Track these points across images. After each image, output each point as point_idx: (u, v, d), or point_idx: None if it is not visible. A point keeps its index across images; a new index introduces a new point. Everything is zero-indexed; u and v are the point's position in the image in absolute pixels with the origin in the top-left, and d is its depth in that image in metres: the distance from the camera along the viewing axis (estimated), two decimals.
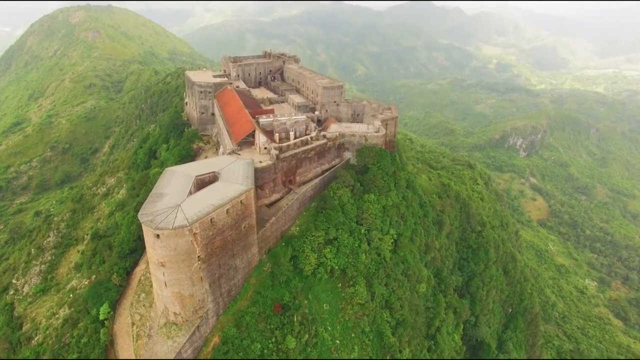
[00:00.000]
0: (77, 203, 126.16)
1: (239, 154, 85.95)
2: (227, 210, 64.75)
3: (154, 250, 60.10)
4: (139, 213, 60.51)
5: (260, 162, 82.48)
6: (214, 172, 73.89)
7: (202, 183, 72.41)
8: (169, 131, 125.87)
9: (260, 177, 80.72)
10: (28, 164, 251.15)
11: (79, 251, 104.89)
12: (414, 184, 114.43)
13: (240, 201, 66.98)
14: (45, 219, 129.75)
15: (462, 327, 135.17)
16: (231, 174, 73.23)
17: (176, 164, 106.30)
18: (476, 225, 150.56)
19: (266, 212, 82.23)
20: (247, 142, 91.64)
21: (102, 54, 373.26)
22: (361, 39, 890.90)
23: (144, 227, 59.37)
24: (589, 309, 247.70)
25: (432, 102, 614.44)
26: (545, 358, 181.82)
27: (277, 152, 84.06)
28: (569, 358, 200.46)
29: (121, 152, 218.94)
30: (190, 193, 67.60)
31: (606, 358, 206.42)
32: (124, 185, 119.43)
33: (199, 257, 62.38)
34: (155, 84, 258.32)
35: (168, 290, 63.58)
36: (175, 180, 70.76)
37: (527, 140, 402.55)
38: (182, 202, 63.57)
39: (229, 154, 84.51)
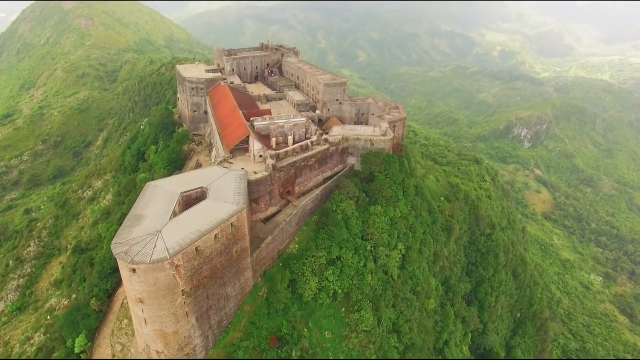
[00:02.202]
0: (61, 209, 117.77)
1: (231, 163, 77.42)
2: (216, 236, 56.49)
3: (130, 285, 52.03)
4: (112, 242, 52.24)
5: (255, 173, 73.93)
6: (201, 187, 65.41)
7: (189, 201, 64.08)
8: (158, 131, 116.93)
9: (255, 191, 72.35)
10: (19, 158, 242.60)
11: (60, 263, 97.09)
12: (423, 190, 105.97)
13: (231, 224, 58.72)
14: (28, 225, 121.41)
15: (470, 337, 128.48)
16: (221, 190, 64.73)
17: (165, 168, 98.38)
18: (485, 228, 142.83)
19: (262, 228, 74.00)
20: (241, 148, 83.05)
21: (95, 43, 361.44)
22: (362, 25, 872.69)
23: (118, 260, 51.27)
24: (594, 305, 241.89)
25: (434, 91, 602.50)
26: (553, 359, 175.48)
27: (273, 161, 75.43)
28: (575, 358, 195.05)
29: (114, 147, 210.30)
30: (175, 214, 59.26)
31: (613, 358, 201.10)
32: (111, 190, 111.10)
33: (183, 291, 54.41)
34: (149, 75, 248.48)
35: (149, 328, 55.75)
36: (157, 198, 62.34)
37: (532, 130, 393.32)
38: (163, 227, 55.22)
39: (220, 163, 75.90)
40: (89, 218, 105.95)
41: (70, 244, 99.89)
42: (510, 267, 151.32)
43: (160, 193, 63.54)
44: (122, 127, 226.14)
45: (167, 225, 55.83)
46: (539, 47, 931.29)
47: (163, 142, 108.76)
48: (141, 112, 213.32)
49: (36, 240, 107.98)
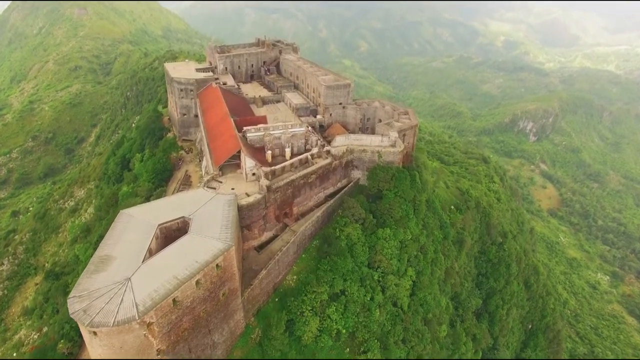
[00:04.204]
0: (39, 221, 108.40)
1: (220, 182, 68.06)
2: (198, 282, 47.40)
3: (92, 348, 43.14)
4: (70, 295, 43.10)
5: (247, 194, 64.59)
6: (183, 217, 56.09)
7: (168, 233, 54.85)
8: (144, 137, 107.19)
9: (246, 216, 63.08)
10: (8, 155, 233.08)
11: (36, 284, 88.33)
12: (434, 202, 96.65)
13: (217, 265, 49.66)
14: (4, 237, 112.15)
15: (480, 354, 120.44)
16: (206, 220, 55.33)
17: (150, 180, 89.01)
18: (497, 237, 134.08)
19: (255, 258, 64.93)
20: (232, 163, 73.53)
21: (89, 33, 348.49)
22: (364, 13, 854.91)
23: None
24: (601, 305, 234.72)
25: (437, 81, 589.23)
26: None
27: (267, 181, 65.97)
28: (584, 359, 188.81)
29: (105, 144, 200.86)
30: (150, 252, 50.08)
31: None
32: (93, 202, 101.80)
33: (158, 350, 45.46)
34: (142, 68, 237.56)
35: None
36: (130, 230, 52.99)
37: (538, 124, 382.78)
38: (133, 272, 46.03)
39: (206, 183, 66.49)
40: (68, 233, 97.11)
41: (47, 262, 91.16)
42: (522, 276, 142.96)
43: (134, 224, 54.19)
44: (114, 123, 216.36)
45: (138, 269, 46.57)
46: (543, 37, 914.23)
47: (149, 150, 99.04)
48: (133, 109, 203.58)
49: (10, 257, 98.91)
